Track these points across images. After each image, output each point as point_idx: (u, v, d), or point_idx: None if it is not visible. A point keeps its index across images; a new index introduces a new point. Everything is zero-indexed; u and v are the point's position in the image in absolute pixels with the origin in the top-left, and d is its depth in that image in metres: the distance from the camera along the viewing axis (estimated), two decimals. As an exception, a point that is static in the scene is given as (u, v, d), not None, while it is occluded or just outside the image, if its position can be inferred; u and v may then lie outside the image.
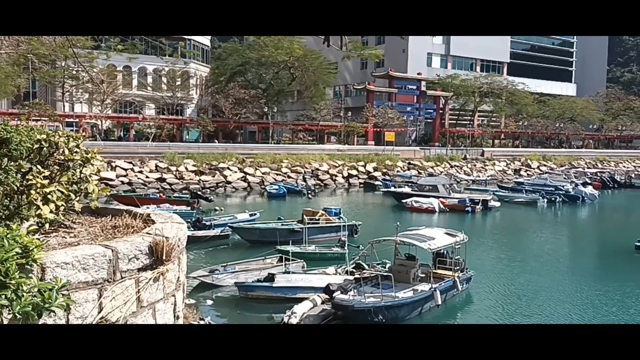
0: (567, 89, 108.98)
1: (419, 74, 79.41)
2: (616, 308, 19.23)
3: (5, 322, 3.51)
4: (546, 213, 45.25)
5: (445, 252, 19.69)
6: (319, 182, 53.82)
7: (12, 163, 4.72)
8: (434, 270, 18.90)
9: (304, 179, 52.54)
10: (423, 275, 18.85)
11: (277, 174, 52.65)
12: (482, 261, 24.61)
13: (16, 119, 52.12)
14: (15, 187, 4.70)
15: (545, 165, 74.87)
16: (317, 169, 55.77)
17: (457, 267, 19.43)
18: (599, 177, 65.04)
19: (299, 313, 15.96)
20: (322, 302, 16.98)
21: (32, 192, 4.76)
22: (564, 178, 58.30)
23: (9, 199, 4.73)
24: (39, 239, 4.19)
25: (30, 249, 3.64)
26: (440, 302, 17.53)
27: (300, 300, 17.11)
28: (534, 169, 72.79)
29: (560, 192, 49.88)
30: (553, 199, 48.26)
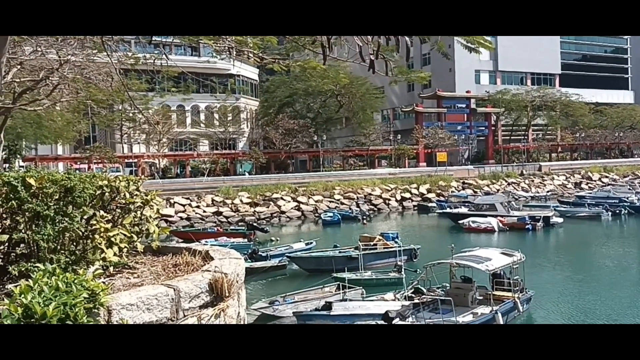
0: (624, 96, 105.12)
1: (467, 91, 78.51)
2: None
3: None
4: (611, 226, 43.38)
5: (502, 273, 19.14)
6: (372, 207, 53.54)
7: (77, 210, 4.92)
8: (492, 292, 18.36)
9: (357, 205, 52.40)
10: (481, 298, 18.35)
11: (330, 201, 52.75)
12: (543, 280, 23.75)
13: (79, 163, 54.56)
14: (80, 233, 4.89)
15: (607, 177, 72.02)
16: (370, 194, 55.55)
17: (517, 288, 18.82)
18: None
19: None
20: None
21: (96, 236, 4.94)
22: (629, 189, 55.90)
23: (74, 244, 4.92)
24: (104, 282, 4.33)
25: (97, 292, 3.77)
26: None
27: None
28: (595, 181, 70.13)
29: (625, 203, 47.82)
30: (618, 211, 46.28)
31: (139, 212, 5.62)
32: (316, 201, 52.11)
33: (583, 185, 67.78)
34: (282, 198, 51.17)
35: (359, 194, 55.07)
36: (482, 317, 16.91)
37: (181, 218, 45.48)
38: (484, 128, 79.78)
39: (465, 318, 16.65)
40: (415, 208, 55.36)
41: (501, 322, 16.87)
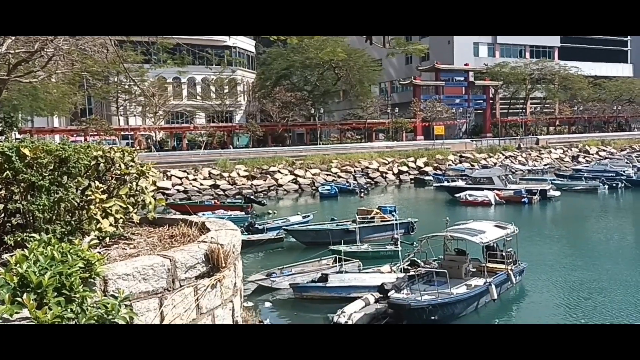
0: (623, 69, 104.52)
1: (466, 64, 77.91)
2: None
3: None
4: (607, 200, 43.58)
5: (495, 245, 19.29)
6: (369, 180, 53.62)
7: (72, 180, 4.90)
8: (486, 264, 18.52)
9: (355, 178, 52.47)
10: (474, 270, 18.53)
11: (327, 175, 52.78)
12: (537, 253, 23.95)
13: (75, 136, 54.37)
14: (76, 203, 4.88)
15: (604, 150, 72.07)
16: (367, 167, 55.57)
17: (510, 260, 19.00)
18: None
19: (348, 312, 16.02)
20: (376, 301, 16.93)
21: (92, 207, 4.93)
22: (626, 162, 55.97)
23: (70, 215, 4.92)
24: (100, 253, 4.34)
25: (93, 262, 3.77)
26: (496, 297, 17.19)
27: (354, 299, 17.13)
28: (592, 154, 70.19)
29: (622, 177, 47.93)
30: (614, 184, 46.41)
31: (134, 183, 5.60)
32: (313, 174, 52.13)
33: (580, 159, 67.85)
34: (279, 171, 51.17)
35: (356, 167, 55.09)
36: (475, 288, 17.10)
37: (178, 191, 45.50)
38: (482, 101, 79.43)
39: (459, 290, 16.82)
40: (413, 181, 55.46)
41: (495, 294, 17.05)
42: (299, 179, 51.09)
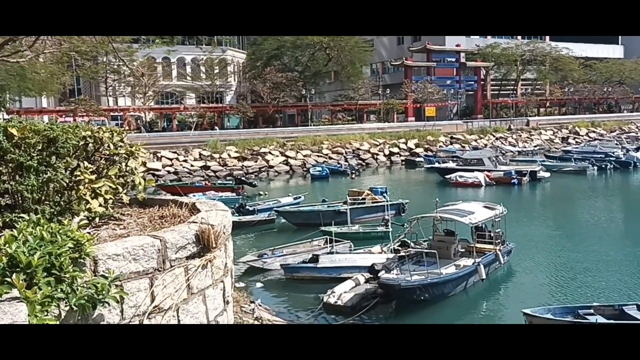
0: (613, 51, 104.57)
1: (457, 45, 77.62)
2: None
3: (63, 314, 3.66)
4: (596, 181, 43.94)
5: (484, 226, 19.44)
6: (360, 161, 53.66)
7: (60, 160, 4.87)
8: (474, 245, 18.68)
9: (346, 159, 52.48)
10: (463, 250, 18.69)
11: (318, 156, 52.75)
12: (525, 233, 24.19)
13: (63, 116, 53.84)
14: (65, 184, 4.85)
15: (594, 132, 72.42)
16: (358, 149, 55.57)
17: (498, 240, 19.17)
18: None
19: (338, 292, 16.16)
20: (366, 281, 17.06)
21: (81, 187, 4.91)
22: (616, 144, 56.34)
23: (59, 195, 4.89)
24: (89, 233, 4.33)
25: (82, 243, 3.76)
26: (484, 277, 17.38)
27: (344, 279, 17.26)
28: (582, 136, 70.52)
29: (611, 158, 48.27)
30: (603, 166, 46.76)
31: (123, 164, 5.57)
32: (304, 155, 52.07)
33: (570, 140, 68.16)
34: (270, 152, 51.06)
35: (347, 148, 55.06)
36: (464, 269, 17.27)
37: (168, 172, 45.32)
38: (473, 82, 79.34)
39: (448, 270, 16.99)
40: (403, 163, 55.56)
41: (483, 274, 17.24)
42: (290, 160, 51.02)
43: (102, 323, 4.02)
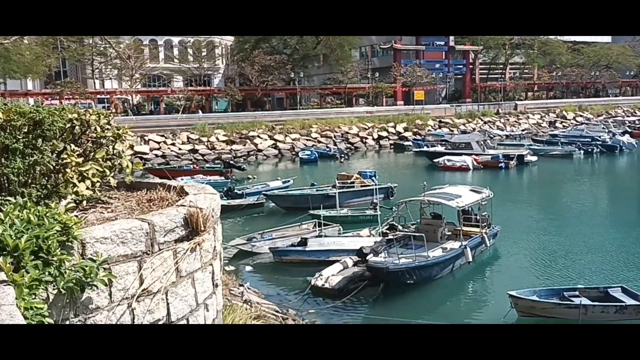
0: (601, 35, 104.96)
1: (446, 29, 77.36)
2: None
3: (51, 297, 3.65)
4: (582, 165, 44.33)
5: (470, 209, 19.60)
6: (349, 145, 53.66)
7: (47, 143, 4.82)
8: (461, 228, 18.83)
9: (335, 143, 52.45)
10: (449, 233, 18.85)
11: (307, 140, 52.66)
12: (511, 217, 24.41)
13: (49, 99, 53.22)
14: (51, 167, 4.81)
15: (581, 116, 72.86)
16: (347, 133, 55.53)
17: (484, 224, 19.35)
18: (639, 125, 63.13)
19: (325, 275, 16.27)
20: (354, 264, 17.18)
21: (68, 170, 4.87)
22: (603, 128, 56.77)
23: (46, 178, 4.85)
24: (77, 216, 4.31)
25: (70, 226, 3.74)
26: (471, 259, 17.55)
27: (333, 262, 17.36)
28: (569, 120, 70.96)
29: (597, 142, 48.68)
30: (590, 150, 47.17)
31: (111, 147, 5.53)
32: (293, 139, 51.95)
33: (557, 124, 68.56)
34: (258, 136, 50.88)
35: (336, 132, 55.01)
36: (451, 251, 17.44)
37: (156, 155, 45.05)
38: (462, 66, 79.36)
39: (435, 253, 17.14)
40: (392, 147, 55.64)
41: (470, 256, 17.42)
42: (278, 144, 50.90)
43: (100, 323, 4.02)
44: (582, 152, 46.64)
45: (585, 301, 13.92)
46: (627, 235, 21.87)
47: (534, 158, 42.47)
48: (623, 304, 13.87)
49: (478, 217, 19.51)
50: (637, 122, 65.71)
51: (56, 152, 4.95)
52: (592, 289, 14.97)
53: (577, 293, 14.56)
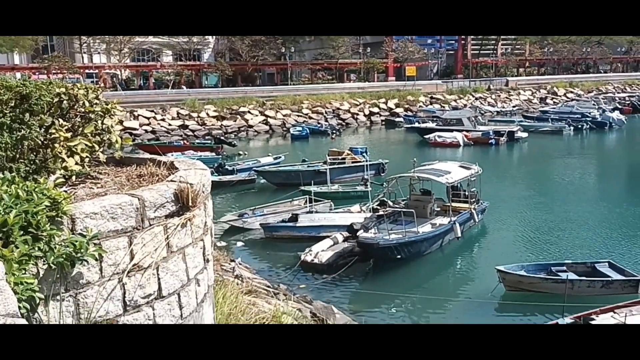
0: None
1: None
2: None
3: (42, 272, 3.65)
4: (572, 141, 44.57)
5: (459, 185, 19.72)
6: (340, 121, 53.50)
7: (34, 118, 4.77)
8: (450, 204, 18.96)
9: (326, 119, 52.27)
10: (439, 209, 18.98)
11: (298, 116, 52.43)
12: (500, 193, 24.60)
13: (37, 73, 52.50)
14: (40, 142, 4.76)
15: (572, 92, 72.96)
16: (338, 109, 55.32)
17: (473, 199, 19.49)
18: (629, 102, 63.35)
19: (315, 250, 16.39)
20: (344, 240, 17.29)
21: (57, 145, 4.82)
22: (593, 104, 56.92)
23: (34, 153, 4.80)
24: (66, 191, 4.28)
25: (59, 201, 3.71)
26: (460, 235, 17.71)
27: (323, 238, 17.46)
28: (560, 96, 71.02)
29: (587, 118, 48.87)
30: (580, 126, 47.36)
31: (99, 122, 5.47)
32: (284, 115, 51.70)
33: (548, 101, 68.63)
34: (249, 112, 50.58)
35: (327, 108, 54.78)
36: (440, 227, 17.58)
37: (146, 131, 44.72)
38: (453, 42, 78.90)
39: (424, 228, 17.27)
40: (383, 123, 55.55)
41: (459, 232, 17.58)
42: (269, 119, 50.66)
43: (99, 320, 4.03)
44: (571, 128, 46.82)
45: (572, 276, 14.11)
46: (615, 211, 22.12)
47: (524, 134, 42.61)
48: (609, 278, 14.08)
49: (467, 193, 19.63)
50: (627, 98, 65.91)
51: (44, 127, 4.89)
52: (580, 264, 15.18)
53: (564, 268, 14.76)
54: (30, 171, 4.67)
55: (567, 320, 11.52)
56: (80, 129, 5.36)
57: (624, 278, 14.11)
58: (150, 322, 4.51)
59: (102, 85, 48.66)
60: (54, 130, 4.88)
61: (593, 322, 11.44)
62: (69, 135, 5.03)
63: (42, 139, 4.81)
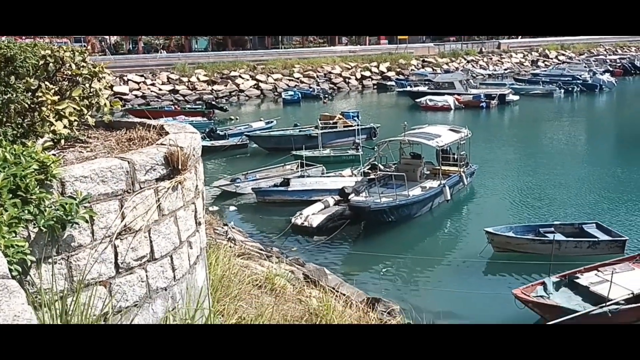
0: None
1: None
2: (634, 195, 19.39)
3: (32, 235, 3.67)
4: (562, 104, 44.59)
5: (449, 149, 19.81)
6: (332, 85, 53.11)
7: (20, 81, 4.71)
8: (440, 167, 19.07)
9: (317, 83, 51.85)
10: (428, 173, 19.11)
11: (289, 80, 51.95)
12: (489, 156, 24.74)
13: (23, 38, 51.47)
14: (27, 105, 4.72)
15: (563, 55, 72.61)
16: (330, 72, 54.85)
17: (462, 163, 19.61)
18: (620, 64, 63.17)
19: (306, 214, 16.53)
20: (335, 204, 17.41)
21: (44, 108, 4.78)
22: (584, 67, 56.73)
23: (21, 117, 4.77)
24: (55, 155, 4.27)
25: (48, 164, 3.71)
26: (449, 197, 17.91)
27: (315, 202, 17.57)
28: (552, 59, 70.70)
29: (578, 81, 48.79)
30: (570, 89, 47.31)
31: (87, 85, 5.41)
32: (275, 79, 51.24)
33: (540, 63, 68.33)
34: (240, 76, 50.06)
35: (318, 72, 54.28)
36: (430, 190, 17.74)
37: (136, 96, 44.26)
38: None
39: (415, 191, 17.41)
40: (375, 87, 55.21)
41: (449, 195, 17.77)
42: (260, 84, 50.21)
43: (97, 318, 4.05)
44: (562, 91, 46.78)
45: (559, 237, 14.33)
46: (604, 173, 22.33)
47: (516, 97, 42.54)
48: (596, 239, 14.32)
49: (456, 157, 19.73)
50: (618, 60, 65.72)
51: (31, 90, 4.84)
52: (568, 225, 15.40)
53: (552, 229, 14.97)
54: (18, 135, 4.64)
55: (553, 279, 11.75)
56: (68, 92, 5.30)
57: (610, 239, 14.35)
58: (144, 284, 4.56)
59: (90, 49, 47.86)
60: (40, 94, 4.83)
61: (577, 280, 11.69)
62: (56, 98, 4.98)
63: (29, 102, 4.77)
